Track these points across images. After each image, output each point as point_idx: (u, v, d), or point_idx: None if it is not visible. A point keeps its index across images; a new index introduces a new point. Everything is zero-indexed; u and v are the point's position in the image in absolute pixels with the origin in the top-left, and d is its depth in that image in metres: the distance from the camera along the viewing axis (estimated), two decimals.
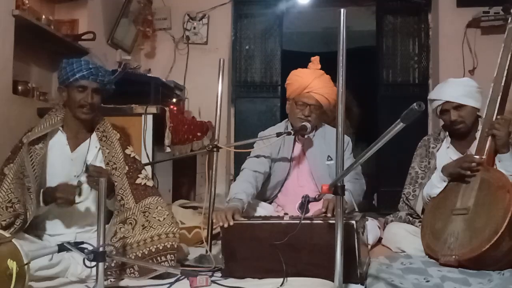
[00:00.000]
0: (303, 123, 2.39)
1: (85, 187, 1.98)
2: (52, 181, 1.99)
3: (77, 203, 1.95)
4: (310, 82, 2.39)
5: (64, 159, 2.05)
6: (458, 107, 2.31)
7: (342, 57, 1.53)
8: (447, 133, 2.46)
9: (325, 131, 2.55)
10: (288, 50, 4.96)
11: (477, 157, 2.16)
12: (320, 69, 2.48)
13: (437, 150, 2.45)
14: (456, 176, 2.19)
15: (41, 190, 1.93)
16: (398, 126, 1.25)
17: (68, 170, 2.03)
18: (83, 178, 2.01)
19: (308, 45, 5.86)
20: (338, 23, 1.53)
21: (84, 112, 2.05)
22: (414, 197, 2.45)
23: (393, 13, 4.38)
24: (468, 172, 2.13)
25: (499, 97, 2.25)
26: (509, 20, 2.41)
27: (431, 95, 2.47)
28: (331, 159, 2.46)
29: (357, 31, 5.01)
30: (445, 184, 2.24)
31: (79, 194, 1.94)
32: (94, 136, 2.13)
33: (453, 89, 2.33)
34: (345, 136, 1.69)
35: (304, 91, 2.40)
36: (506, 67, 2.26)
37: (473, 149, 2.26)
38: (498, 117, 2.22)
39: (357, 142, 5.40)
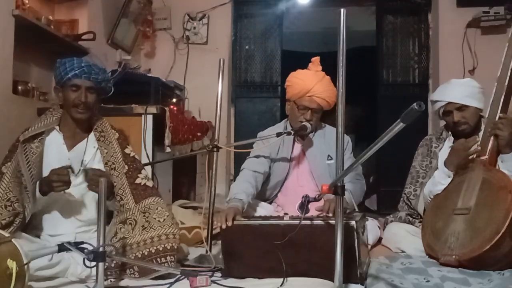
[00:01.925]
0: (303, 123, 2.38)
1: (79, 185, 1.97)
2: None
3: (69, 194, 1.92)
4: (312, 86, 2.36)
5: (61, 159, 2.03)
6: (461, 108, 2.31)
7: (342, 57, 1.53)
8: (449, 132, 2.46)
9: (325, 131, 2.55)
10: (288, 50, 4.96)
11: (470, 139, 2.20)
12: (321, 69, 2.46)
13: (440, 150, 2.44)
14: (463, 165, 2.19)
15: (37, 183, 1.92)
16: (398, 126, 1.25)
17: None
18: (81, 177, 2.00)
19: (308, 45, 5.86)
20: (338, 23, 1.53)
21: (79, 111, 2.03)
22: (415, 197, 2.44)
23: (393, 13, 4.39)
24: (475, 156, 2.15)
25: (502, 97, 2.24)
26: None
27: (433, 96, 2.46)
28: (331, 159, 2.46)
29: (357, 31, 5.00)
30: (449, 180, 2.23)
31: (73, 172, 1.91)
32: (91, 136, 2.11)
33: (456, 90, 2.33)
34: (345, 135, 1.69)
35: (306, 95, 2.38)
36: (510, 67, 2.25)
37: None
38: (501, 115, 2.22)
39: (357, 142, 5.41)
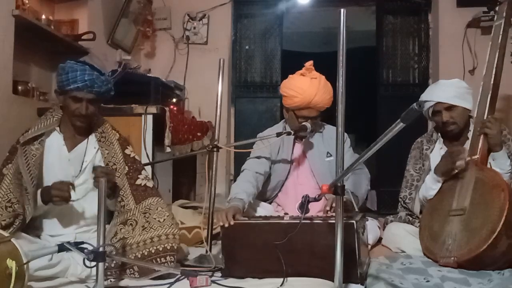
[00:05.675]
0: (303, 123, 2.37)
1: (80, 185, 1.97)
2: (50, 181, 1.96)
3: (73, 200, 1.91)
4: (311, 99, 2.32)
5: (62, 160, 2.03)
6: (450, 108, 2.32)
7: (342, 57, 1.54)
8: (439, 134, 2.47)
9: (324, 130, 2.55)
10: (288, 50, 4.97)
11: (462, 148, 2.19)
12: (317, 69, 2.41)
13: (431, 152, 2.45)
14: (450, 174, 2.19)
15: (39, 190, 1.92)
16: (398, 126, 1.25)
17: (66, 170, 2.01)
18: (82, 178, 2.00)
19: (308, 45, 5.87)
20: (338, 23, 1.53)
21: (80, 121, 2.02)
22: (411, 200, 2.45)
23: (393, 13, 4.38)
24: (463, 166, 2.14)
25: (489, 96, 2.26)
26: (495, 19, 2.42)
27: (422, 96, 2.47)
28: (331, 155, 2.46)
29: (357, 31, 5.01)
30: (439, 184, 2.24)
31: (73, 190, 1.89)
32: (92, 136, 2.10)
33: (444, 90, 2.34)
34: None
35: (306, 107, 2.35)
36: (494, 66, 2.27)
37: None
38: (489, 116, 2.23)
39: (357, 142, 5.40)
